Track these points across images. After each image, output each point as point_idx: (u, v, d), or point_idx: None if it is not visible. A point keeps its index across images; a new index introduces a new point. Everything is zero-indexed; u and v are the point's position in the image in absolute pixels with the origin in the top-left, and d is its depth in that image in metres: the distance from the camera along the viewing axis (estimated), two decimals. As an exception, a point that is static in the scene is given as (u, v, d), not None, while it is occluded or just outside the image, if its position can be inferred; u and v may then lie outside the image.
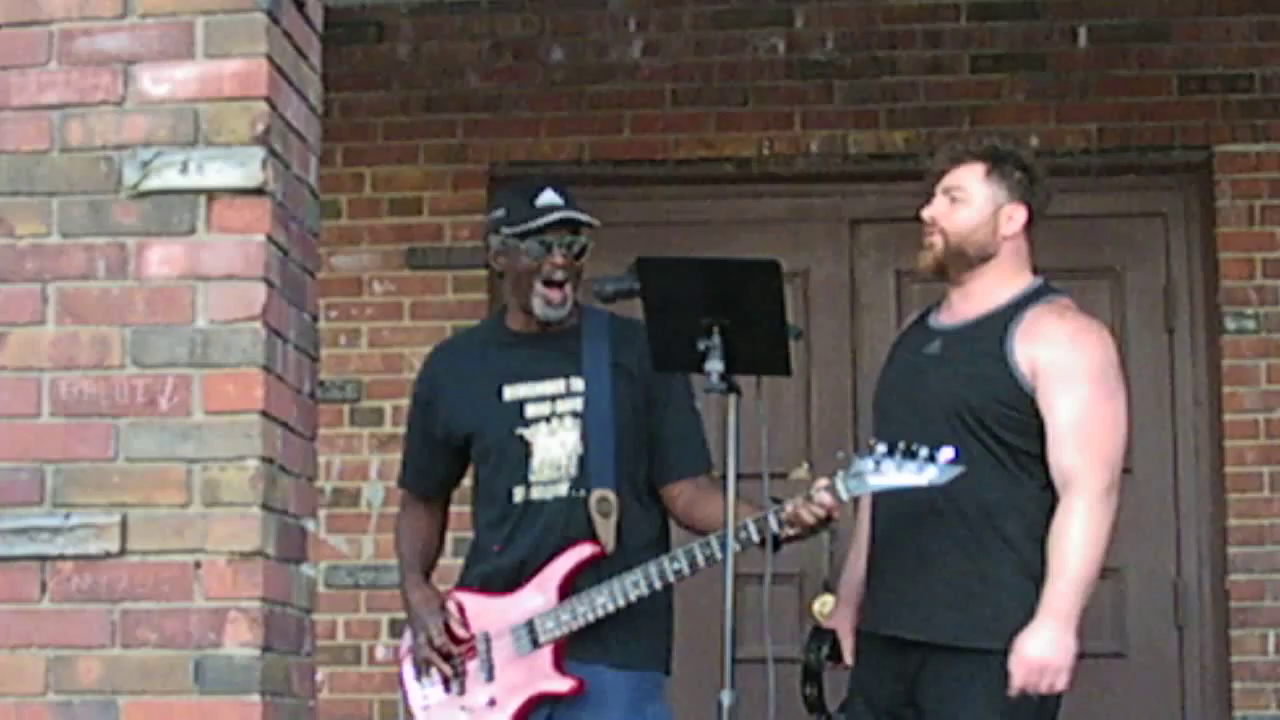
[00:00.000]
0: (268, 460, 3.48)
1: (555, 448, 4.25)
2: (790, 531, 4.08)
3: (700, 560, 4.13)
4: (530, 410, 4.27)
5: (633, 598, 4.16)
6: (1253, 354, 5.99)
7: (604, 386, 4.25)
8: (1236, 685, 5.89)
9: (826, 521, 4.09)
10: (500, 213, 4.32)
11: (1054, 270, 6.18)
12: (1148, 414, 6.12)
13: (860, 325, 6.20)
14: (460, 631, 4.27)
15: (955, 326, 4.36)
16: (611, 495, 4.22)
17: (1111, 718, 5.97)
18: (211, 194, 3.51)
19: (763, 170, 6.27)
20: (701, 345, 3.97)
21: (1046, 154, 6.15)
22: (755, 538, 4.07)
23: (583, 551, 4.20)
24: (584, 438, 4.23)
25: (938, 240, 4.33)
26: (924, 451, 3.98)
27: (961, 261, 4.33)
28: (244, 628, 3.43)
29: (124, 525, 3.46)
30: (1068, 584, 4.16)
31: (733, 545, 3.96)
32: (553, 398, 4.27)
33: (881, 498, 4.27)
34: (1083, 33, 6.18)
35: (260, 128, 3.51)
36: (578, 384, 4.27)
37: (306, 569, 3.71)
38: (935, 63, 6.20)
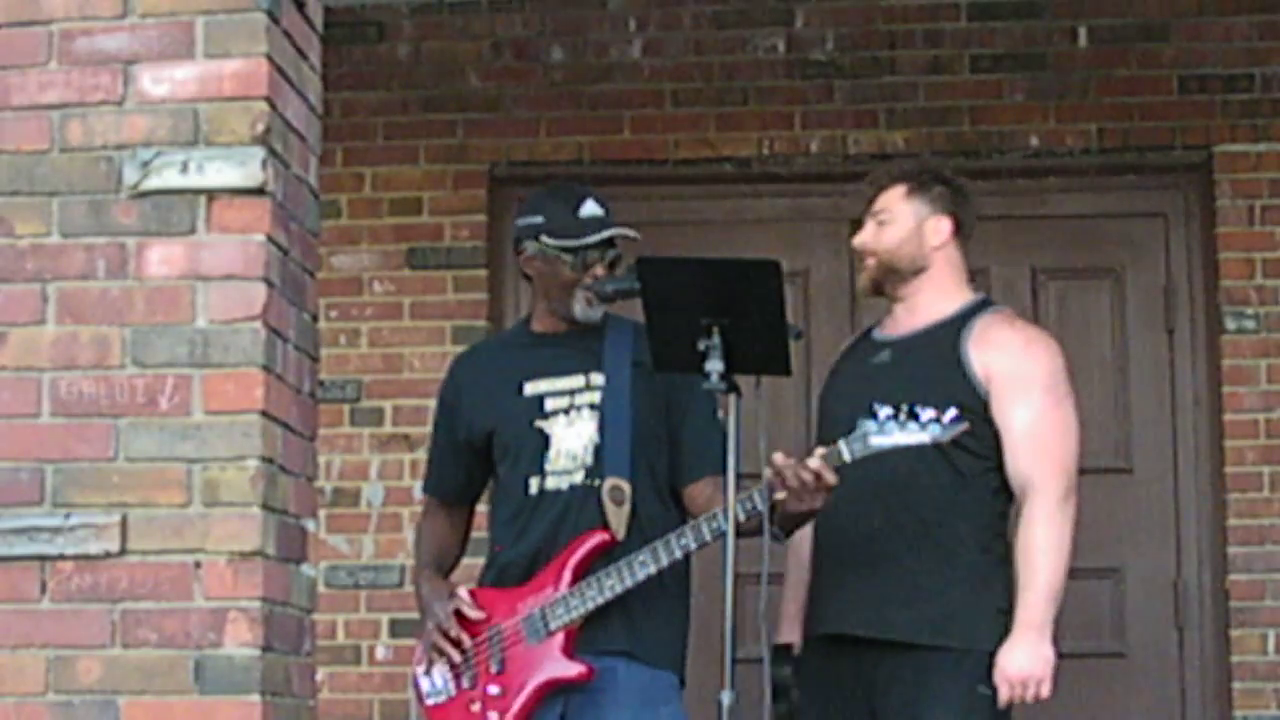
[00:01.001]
0: (268, 460, 3.49)
1: (572, 438, 4.26)
2: (782, 497, 4.04)
3: (706, 534, 4.11)
4: (550, 404, 4.29)
5: (640, 576, 4.14)
6: (1253, 354, 5.99)
7: (623, 381, 4.27)
8: (1236, 685, 5.89)
9: (824, 490, 4.05)
10: (539, 220, 4.31)
11: (1054, 270, 6.25)
12: (1148, 414, 6.12)
13: (860, 325, 6.18)
14: (473, 614, 4.25)
15: (903, 337, 4.49)
16: (625, 484, 4.22)
17: (1111, 718, 5.98)
18: (211, 194, 3.52)
19: (763, 170, 6.27)
20: (701, 345, 3.97)
21: (1046, 154, 6.17)
22: (761, 506, 4.04)
23: (593, 540, 4.21)
24: (600, 428, 4.25)
25: (871, 262, 4.54)
26: (927, 413, 4.01)
27: (896, 277, 4.52)
28: (244, 628, 3.43)
29: (124, 525, 3.46)
30: (1038, 594, 4.26)
31: (737, 515, 3.96)
32: (572, 392, 4.29)
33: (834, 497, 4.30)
34: (1083, 33, 6.18)
35: (260, 128, 3.51)
36: (598, 379, 4.29)
37: (306, 569, 3.71)
38: (935, 63, 6.20)
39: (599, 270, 4.29)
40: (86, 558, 3.46)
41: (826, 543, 4.46)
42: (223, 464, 3.46)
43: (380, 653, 6.09)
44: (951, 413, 4.02)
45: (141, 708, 3.43)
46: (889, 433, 4.05)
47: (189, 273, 3.51)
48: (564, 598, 4.19)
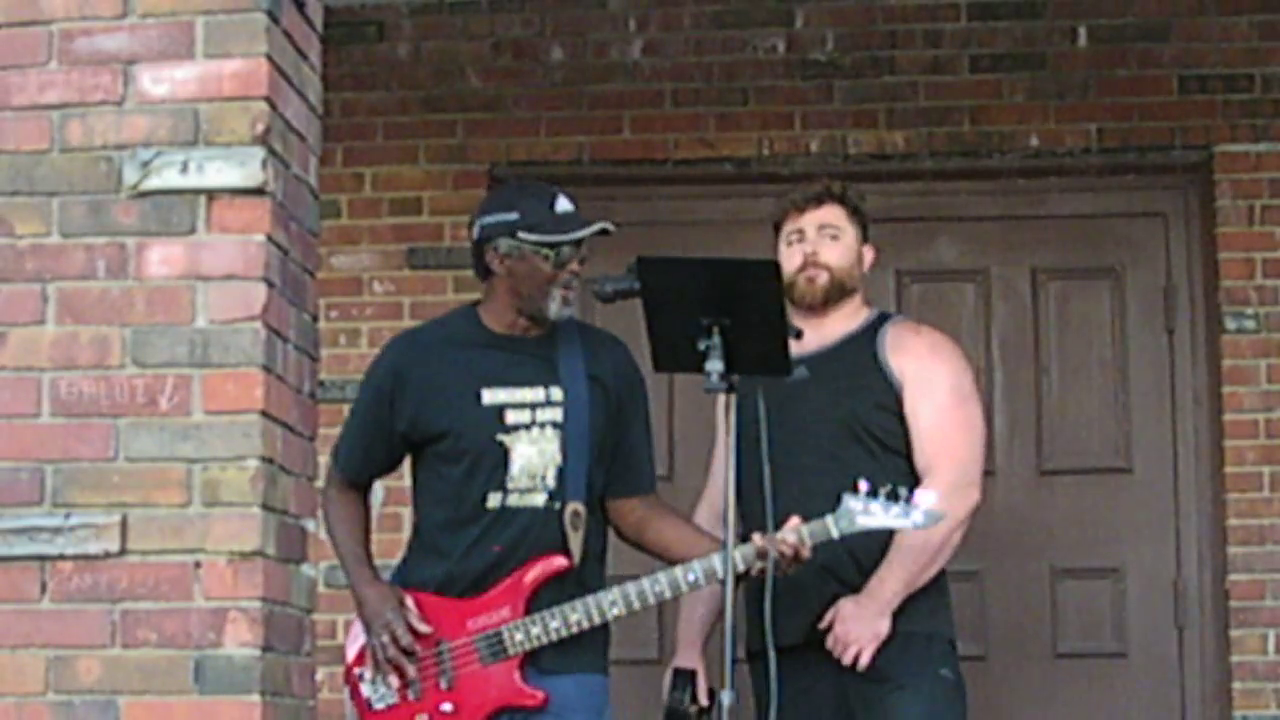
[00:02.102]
0: (268, 460, 3.49)
1: (535, 456, 4.21)
2: (760, 564, 4.16)
3: (683, 587, 4.18)
4: (511, 416, 4.22)
5: (610, 617, 4.17)
6: (1253, 354, 5.98)
7: (582, 399, 4.24)
8: (1236, 685, 5.88)
9: (800, 563, 4.18)
10: (514, 216, 4.23)
11: (1054, 270, 6.24)
12: (1148, 414, 6.12)
13: (860, 325, 6.19)
14: (422, 628, 4.18)
15: (815, 352, 4.60)
16: (583, 509, 4.21)
17: (1111, 718, 5.98)
18: (211, 194, 3.52)
19: (763, 170, 6.26)
20: (701, 345, 3.97)
21: (1046, 154, 6.17)
22: (741, 567, 4.13)
23: (553, 564, 4.17)
24: (563, 449, 4.21)
25: (823, 275, 4.68)
26: (904, 493, 4.19)
27: (838, 294, 4.70)
28: (244, 628, 3.43)
29: (124, 525, 3.47)
30: (897, 579, 4.50)
31: (666, 595, 4.15)
32: (533, 406, 4.23)
33: (750, 514, 4.42)
34: (1083, 33, 6.18)
35: (260, 128, 3.51)
36: (556, 393, 4.23)
37: (306, 569, 3.71)
38: (935, 63, 6.20)
39: (574, 267, 4.23)
40: (86, 558, 3.46)
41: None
42: (223, 464, 3.46)
43: (380, 653, 6.07)
44: (930, 498, 4.19)
45: (141, 708, 3.43)
46: (874, 514, 4.19)
47: (189, 273, 3.51)
48: (523, 623, 4.14)
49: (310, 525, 3.73)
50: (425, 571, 4.28)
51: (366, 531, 4.40)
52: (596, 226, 4.22)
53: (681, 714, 4.52)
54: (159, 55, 3.55)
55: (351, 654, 4.30)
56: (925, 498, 4.16)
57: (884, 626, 4.45)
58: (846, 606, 4.47)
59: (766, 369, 4.08)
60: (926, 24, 6.20)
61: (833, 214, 4.72)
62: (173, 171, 3.52)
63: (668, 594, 4.17)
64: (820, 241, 4.69)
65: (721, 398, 4.05)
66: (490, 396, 4.23)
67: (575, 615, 4.14)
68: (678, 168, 6.27)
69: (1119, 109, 6.14)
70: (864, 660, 4.44)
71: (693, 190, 6.30)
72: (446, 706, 4.17)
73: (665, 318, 4.03)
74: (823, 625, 4.47)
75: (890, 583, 4.48)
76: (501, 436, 4.21)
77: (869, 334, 4.68)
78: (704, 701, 4.52)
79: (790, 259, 4.67)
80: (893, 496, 4.15)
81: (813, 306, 4.67)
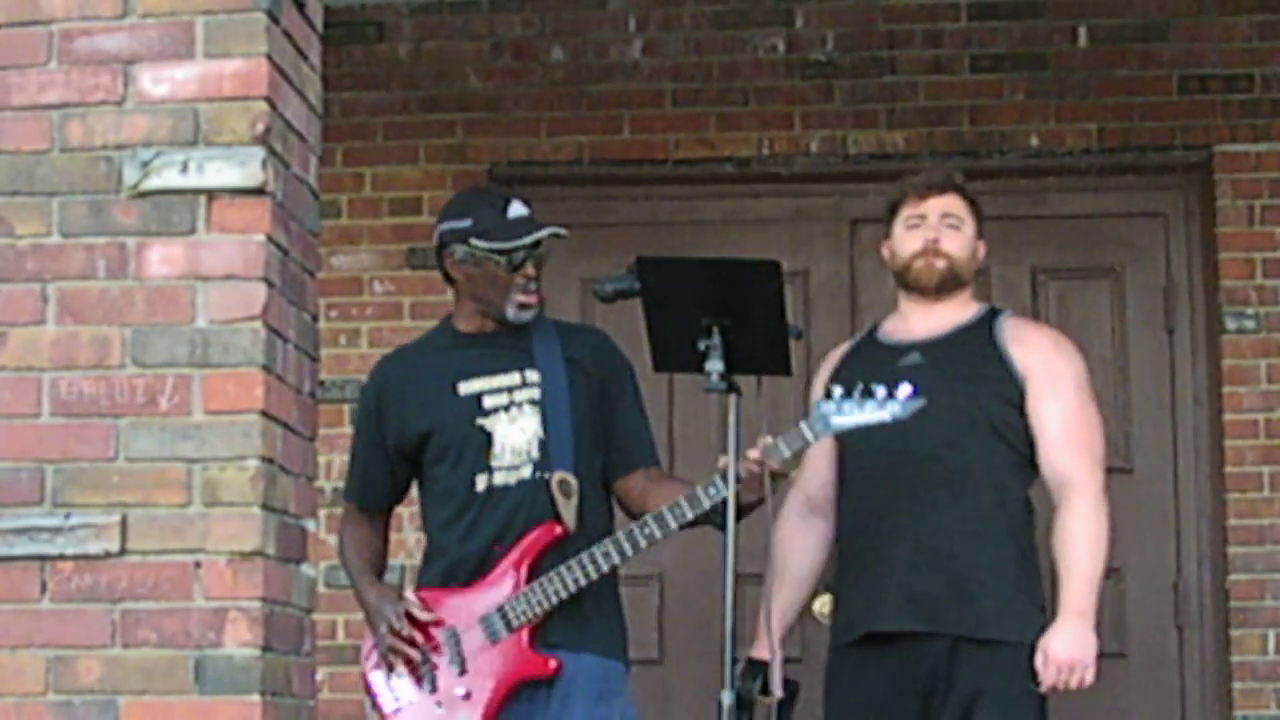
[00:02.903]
0: (268, 460, 3.48)
1: (516, 434, 4.26)
2: (736, 489, 4.05)
3: (671, 523, 4.14)
4: (488, 401, 4.29)
5: (605, 568, 4.17)
6: (1253, 354, 5.98)
7: (559, 376, 4.29)
8: (1236, 685, 5.88)
9: (773, 477, 4.09)
10: (467, 223, 4.30)
11: (1054, 270, 6.24)
12: (1148, 414, 6.12)
13: (860, 325, 6.18)
14: (423, 615, 4.23)
15: (931, 339, 4.54)
16: (571, 477, 4.24)
17: (1111, 718, 5.97)
18: (211, 194, 3.51)
19: (763, 170, 6.26)
20: (701, 345, 3.98)
21: (1046, 154, 6.17)
22: (705, 502, 4.09)
23: (546, 533, 4.22)
24: (543, 423, 4.25)
25: (942, 262, 4.57)
26: (881, 390, 4.07)
27: (953, 284, 4.59)
28: (244, 628, 3.43)
29: (124, 525, 3.46)
30: (1082, 582, 4.33)
31: (701, 505, 4.08)
32: (509, 389, 4.29)
33: (856, 498, 4.44)
34: (1083, 33, 6.18)
35: (260, 128, 3.51)
36: (533, 375, 4.29)
37: (306, 569, 3.71)
38: (935, 63, 6.20)
39: (529, 270, 4.28)
40: (86, 558, 3.46)
41: (868, 542, 4.46)
42: (223, 464, 3.46)
43: (380, 653, 6.08)
44: (906, 389, 4.07)
45: (141, 708, 3.43)
46: (848, 412, 4.08)
47: (189, 273, 3.50)
48: (525, 594, 4.18)
49: (310, 525, 3.73)
50: (430, 570, 4.35)
51: (376, 551, 4.48)
52: (546, 231, 4.27)
53: (750, 704, 4.45)
54: (159, 55, 3.55)
55: (367, 664, 4.35)
56: (903, 389, 4.05)
57: (1091, 637, 4.32)
58: (1052, 642, 4.30)
59: (766, 369, 4.08)
60: (926, 24, 6.21)
61: (955, 204, 4.63)
62: (173, 171, 3.52)
63: (657, 533, 4.15)
64: (942, 229, 4.59)
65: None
66: (467, 387, 4.30)
67: (571, 575, 4.17)
68: (678, 168, 6.27)
69: (1119, 109, 6.14)
70: (1088, 678, 4.31)
71: (693, 190, 6.31)
72: (461, 690, 4.21)
73: (665, 318, 4.04)
74: (1040, 668, 4.31)
75: (1077, 593, 4.33)
76: (481, 421, 4.27)
77: (984, 325, 4.57)
78: (778, 693, 4.45)
79: (909, 242, 4.60)
80: (867, 394, 4.06)
81: (924, 292, 4.58)
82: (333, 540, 6.02)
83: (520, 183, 6.07)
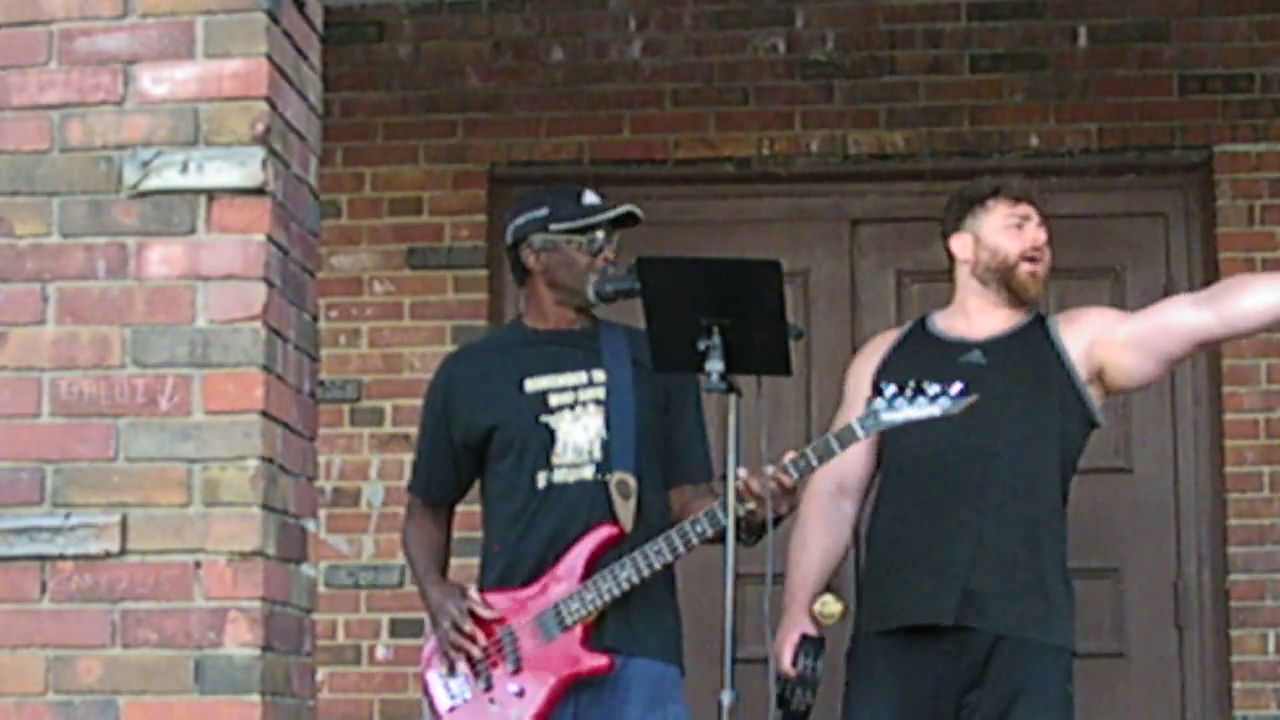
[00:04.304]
0: (268, 460, 3.48)
1: (579, 432, 4.29)
2: (752, 507, 4.08)
3: (721, 518, 4.10)
4: (554, 399, 4.32)
5: (657, 566, 4.19)
6: (1253, 354, 5.98)
7: (625, 378, 4.32)
8: (1236, 685, 5.88)
9: (789, 493, 4.12)
10: (543, 212, 4.37)
11: (1054, 270, 6.23)
12: (1148, 414, 6.12)
13: (860, 325, 6.19)
14: (486, 613, 4.26)
15: (991, 338, 4.57)
16: (631, 478, 4.26)
17: (1111, 718, 5.97)
18: (211, 194, 3.51)
19: (763, 170, 6.26)
20: (701, 345, 3.98)
21: (1046, 154, 6.17)
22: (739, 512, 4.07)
23: (602, 533, 4.24)
24: (607, 423, 4.28)
25: (1044, 271, 4.66)
26: (935, 387, 4.08)
27: (1039, 286, 4.67)
28: (244, 628, 3.43)
29: (124, 525, 3.46)
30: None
31: (721, 520, 4.06)
32: (575, 388, 4.33)
33: (911, 491, 4.45)
34: (1083, 33, 6.18)
35: (260, 128, 3.51)
36: (599, 375, 4.33)
37: (306, 569, 3.71)
38: (935, 63, 6.20)
39: (608, 253, 4.34)
40: (86, 558, 3.46)
41: (924, 537, 4.47)
42: (223, 464, 3.46)
43: (380, 653, 6.08)
44: (958, 386, 4.07)
45: (141, 708, 3.43)
46: (899, 409, 4.09)
47: (189, 273, 3.50)
48: (578, 592, 4.21)
49: (310, 525, 3.73)
50: (490, 568, 4.37)
51: (439, 547, 4.50)
52: (624, 209, 4.34)
53: (814, 682, 4.43)
54: (159, 55, 3.55)
55: (427, 665, 4.38)
56: (954, 385, 4.08)
57: None
58: None
59: (767, 369, 4.08)
60: (926, 24, 6.20)
61: (1038, 215, 4.69)
62: (173, 171, 3.52)
63: (709, 530, 4.16)
64: (1040, 232, 4.64)
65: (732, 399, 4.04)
66: (533, 384, 4.34)
67: (625, 572, 4.19)
68: (678, 168, 6.27)
69: (1119, 109, 6.14)
70: None
71: (693, 190, 6.30)
72: (514, 688, 4.23)
73: (665, 318, 4.03)
74: None
75: None
76: (546, 418, 4.30)
77: (1036, 326, 4.62)
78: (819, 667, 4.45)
79: (1015, 240, 4.62)
80: (919, 391, 4.08)
81: (1015, 295, 4.61)
82: (333, 540, 6.07)
83: (520, 183, 6.07)
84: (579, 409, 4.30)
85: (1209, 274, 6.09)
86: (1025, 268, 4.60)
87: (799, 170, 6.25)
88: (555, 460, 4.28)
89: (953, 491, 4.42)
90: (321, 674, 5.64)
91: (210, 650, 3.43)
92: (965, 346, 4.55)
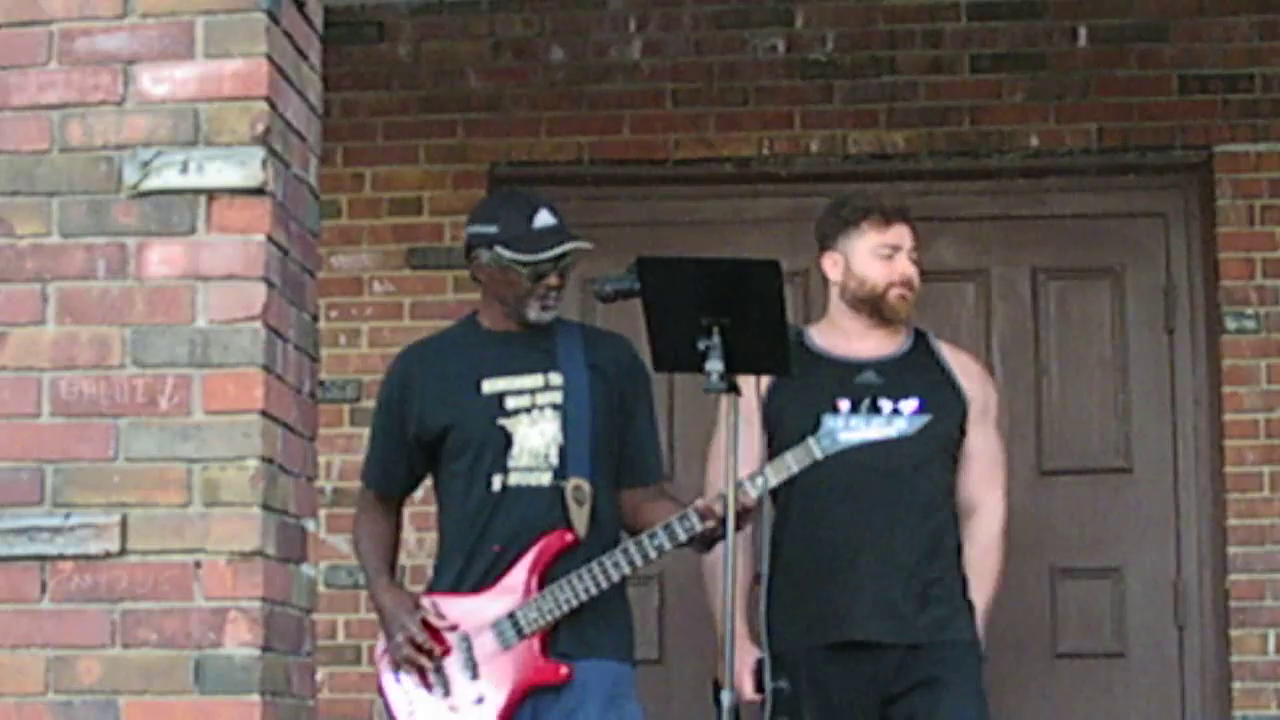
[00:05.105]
0: (268, 460, 3.49)
1: (535, 437, 4.27)
2: (712, 525, 4.14)
3: (681, 534, 4.17)
4: (510, 402, 4.30)
5: (615, 578, 4.20)
6: (1253, 354, 5.98)
7: (582, 382, 4.30)
8: (1236, 685, 5.88)
9: (747, 511, 4.13)
10: (493, 229, 4.31)
11: (1054, 270, 6.24)
12: (1148, 414, 6.12)
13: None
14: (439, 623, 4.25)
15: (882, 359, 4.69)
16: (586, 484, 4.26)
17: (1111, 718, 5.98)
18: (211, 194, 3.52)
19: (763, 170, 6.26)
20: (701, 345, 3.98)
21: (1046, 154, 6.17)
22: (696, 528, 4.15)
23: (557, 539, 4.22)
24: (564, 428, 4.26)
25: (913, 296, 4.76)
26: (888, 406, 4.15)
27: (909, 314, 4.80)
28: (244, 628, 3.43)
29: (124, 525, 3.47)
30: (984, 615, 4.72)
31: (681, 534, 4.15)
32: (532, 391, 4.31)
33: (823, 510, 4.56)
34: (1083, 33, 6.18)
35: (260, 128, 3.51)
36: (556, 378, 4.31)
37: (306, 569, 3.71)
38: (935, 63, 6.20)
39: (552, 281, 4.30)
40: (86, 558, 3.46)
41: (837, 555, 4.58)
42: (223, 464, 3.46)
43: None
44: (913, 404, 4.15)
45: (141, 708, 3.43)
46: (855, 428, 4.13)
47: (189, 273, 3.51)
48: (535, 601, 4.20)
49: (310, 525, 3.73)
50: (444, 572, 4.36)
51: (390, 545, 4.51)
52: (568, 246, 4.28)
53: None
54: (159, 55, 3.55)
55: (381, 666, 4.35)
56: (907, 404, 4.13)
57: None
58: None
59: (766, 369, 4.09)
60: (926, 24, 6.20)
61: (911, 235, 4.76)
62: (173, 171, 3.52)
63: (667, 545, 4.18)
64: (910, 266, 4.73)
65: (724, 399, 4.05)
66: (490, 386, 4.31)
67: (582, 583, 4.19)
68: (678, 168, 6.27)
69: (1119, 109, 6.14)
70: None
71: (693, 190, 6.30)
72: (472, 695, 4.21)
73: (665, 318, 4.04)
74: None
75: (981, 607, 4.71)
76: (502, 421, 4.28)
77: (921, 347, 4.77)
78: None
79: (883, 271, 4.70)
80: (875, 409, 4.14)
81: (885, 319, 4.71)
82: (333, 540, 6.06)
83: (520, 183, 6.06)
84: (535, 413, 4.28)
85: (1209, 274, 6.09)
86: (895, 293, 4.71)
87: (799, 170, 6.25)
88: (511, 464, 4.27)
89: (863, 512, 4.56)
90: (321, 674, 5.64)
91: (210, 650, 3.43)
92: (857, 367, 4.64)
